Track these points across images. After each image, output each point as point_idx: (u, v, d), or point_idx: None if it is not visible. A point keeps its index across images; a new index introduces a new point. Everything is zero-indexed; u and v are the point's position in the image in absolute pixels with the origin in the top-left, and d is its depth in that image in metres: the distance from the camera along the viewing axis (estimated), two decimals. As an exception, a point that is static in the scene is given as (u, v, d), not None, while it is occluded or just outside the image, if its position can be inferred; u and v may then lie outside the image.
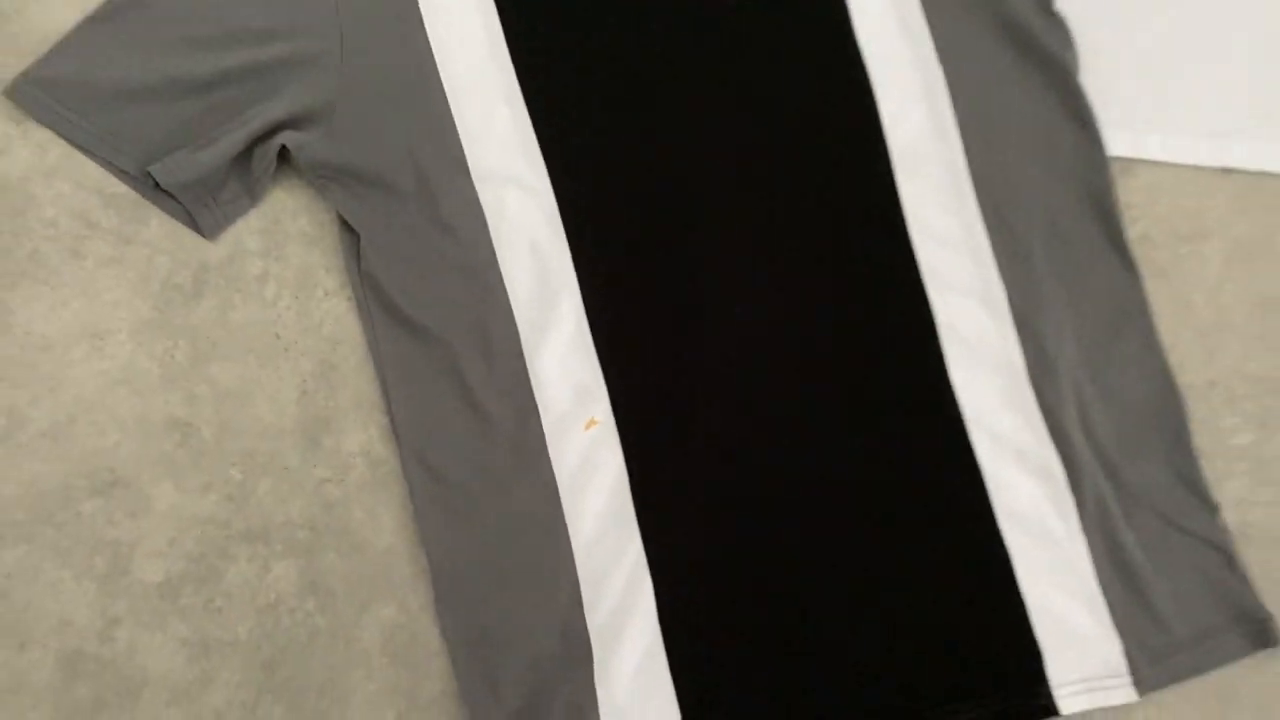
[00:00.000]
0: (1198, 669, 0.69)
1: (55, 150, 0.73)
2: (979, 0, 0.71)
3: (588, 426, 0.69)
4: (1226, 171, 0.75)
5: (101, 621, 0.70)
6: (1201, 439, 0.71)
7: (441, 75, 0.71)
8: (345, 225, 0.72)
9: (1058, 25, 0.71)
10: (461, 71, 0.71)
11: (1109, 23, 0.73)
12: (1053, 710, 0.68)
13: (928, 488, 0.69)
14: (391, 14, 0.71)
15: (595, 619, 0.69)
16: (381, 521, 0.72)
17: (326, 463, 0.72)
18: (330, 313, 0.73)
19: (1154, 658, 0.68)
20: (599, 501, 0.70)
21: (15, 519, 0.71)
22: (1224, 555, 0.70)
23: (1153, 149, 0.75)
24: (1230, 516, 0.70)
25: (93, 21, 0.72)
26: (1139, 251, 0.72)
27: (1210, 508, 0.70)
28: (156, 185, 0.72)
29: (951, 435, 0.69)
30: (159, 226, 0.73)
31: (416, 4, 0.71)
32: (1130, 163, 0.75)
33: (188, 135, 0.71)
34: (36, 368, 0.72)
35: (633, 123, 0.71)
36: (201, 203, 0.72)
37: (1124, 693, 0.68)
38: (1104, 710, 0.69)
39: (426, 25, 0.71)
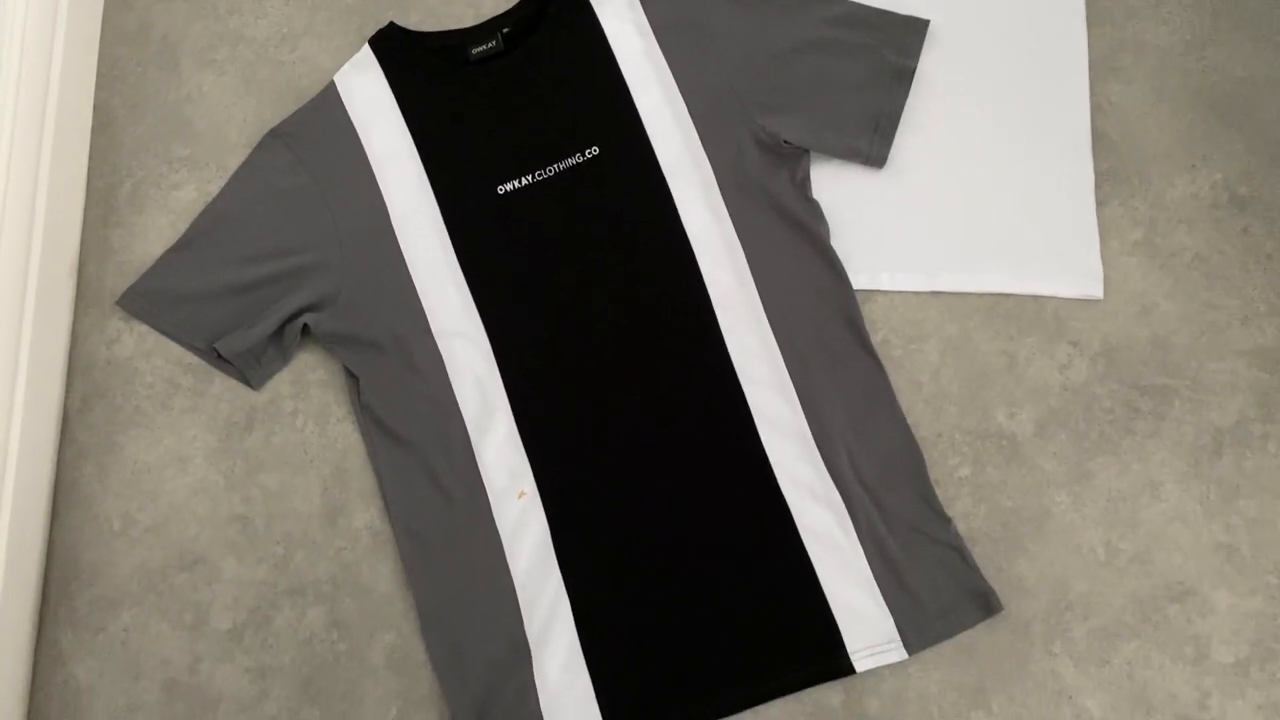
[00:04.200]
0: (948, 633, 0.92)
1: (151, 338, 1.05)
2: (761, 194, 0.99)
3: (519, 496, 0.97)
4: (935, 294, 1.01)
5: (190, 658, 0.99)
6: (935, 473, 0.96)
7: (410, 272, 1.00)
8: (349, 372, 1.00)
9: (814, 207, 1.00)
10: (423, 269, 1.00)
11: (850, 199, 1.01)
12: (851, 670, 0.91)
13: (754, 519, 0.94)
14: (373, 233, 1.01)
15: (531, 630, 0.94)
16: (381, 574, 0.99)
17: (342, 536, 1.00)
18: (341, 434, 1.03)
19: (916, 627, 0.92)
20: (529, 548, 0.95)
21: (130, 589, 1.00)
22: (958, 552, 0.93)
23: (884, 282, 1.01)
24: (960, 525, 0.95)
25: (171, 251, 1.04)
26: (881, 350, 0.98)
27: (945, 520, 0.94)
28: (219, 356, 1.01)
29: (766, 483, 0.95)
30: (221, 383, 1.04)
31: (391, 226, 1.01)
32: (870, 292, 1.01)
33: (239, 321, 1.01)
34: (141, 485, 1.02)
35: (541, 296, 1.00)
36: (250, 365, 1.02)
37: (897, 654, 0.92)
38: (888, 668, 0.93)
39: (399, 238, 1.01)
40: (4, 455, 0.97)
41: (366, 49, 1.07)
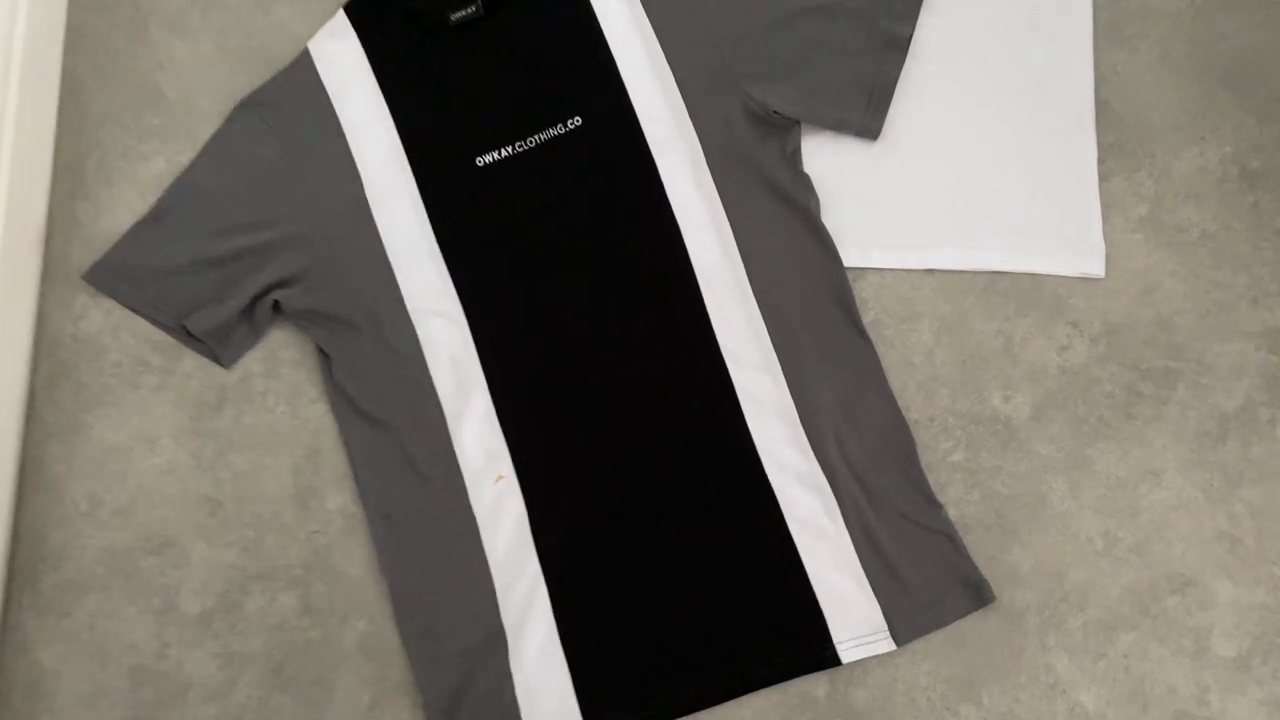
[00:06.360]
0: (937, 624, 0.92)
1: (118, 313, 1.03)
2: (749, 167, 0.98)
3: (497, 480, 0.96)
4: (929, 271, 1.00)
5: (158, 644, 0.98)
6: (927, 457, 0.95)
7: (385, 247, 0.99)
8: (321, 351, 1.00)
9: (804, 180, 0.98)
10: (398, 244, 0.99)
11: (842, 172, 1.00)
12: (837, 661, 0.92)
13: (738, 505, 0.94)
14: (347, 206, 1.00)
15: (508, 618, 0.93)
16: (354, 558, 0.98)
17: (314, 519, 0.99)
18: (313, 414, 1.01)
19: (905, 617, 0.91)
20: (507, 532, 0.95)
21: (97, 573, 0.98)
22: (950, 539, 0.93)
23: (875, 259, 0.99)
24: (952, 512, 0.94)
25: (140, 225, 1.02)
26: (872, 330, 0.97)
27: (936, 506, 0.93)
28: (188, 333, 1.00)
29: (751, 468, 0.94)
30: (191, 361, 1.03)
31: (366, 199, 0.99)
32: (861, 270, 0.99)
33: (209, 297, 0.99)
34: (108, 465, 1.01)
35: (520, 274, 0.98)
36: (220, 343, 1.01)
37: (885, 644, 0.92)
38: (875, 658, 0.92)
39: (373, 212, 0.99)
40: (-33, 435, 0.95)
41: (341, 14, 1.04)
